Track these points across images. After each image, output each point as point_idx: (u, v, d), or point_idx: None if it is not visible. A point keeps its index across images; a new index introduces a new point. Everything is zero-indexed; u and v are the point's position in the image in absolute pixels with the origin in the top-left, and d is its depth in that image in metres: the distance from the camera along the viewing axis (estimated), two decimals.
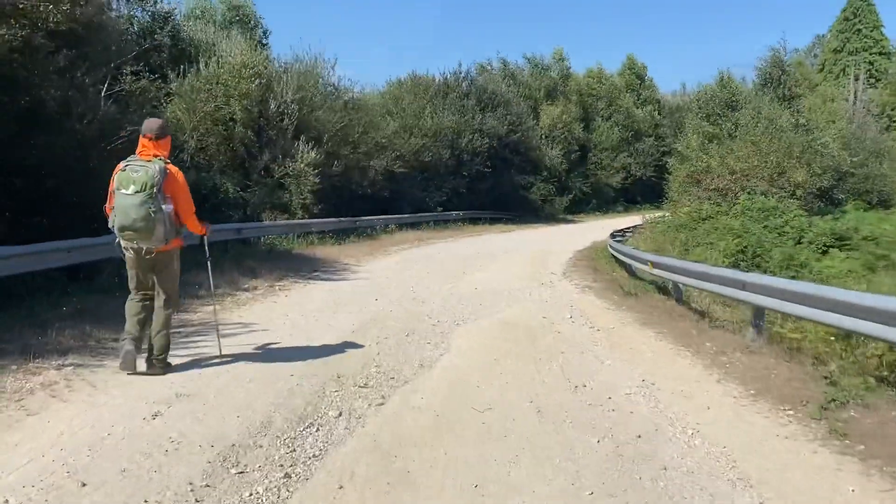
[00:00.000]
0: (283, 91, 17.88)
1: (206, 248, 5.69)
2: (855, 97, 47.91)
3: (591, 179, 41.10)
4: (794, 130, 25.19)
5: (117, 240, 4.76)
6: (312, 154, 16.94)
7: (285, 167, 16.81)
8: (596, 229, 27.65)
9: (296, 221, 15.83)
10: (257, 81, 16.19)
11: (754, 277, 6.36)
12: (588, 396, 4.67)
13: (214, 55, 16.75)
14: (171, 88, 15.98)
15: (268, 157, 17.26)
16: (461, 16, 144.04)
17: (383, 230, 20.68)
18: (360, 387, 4.78)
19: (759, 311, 6.50)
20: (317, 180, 16.84)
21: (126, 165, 4.61)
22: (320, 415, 4.15)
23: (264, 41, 20.89)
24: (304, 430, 3.88)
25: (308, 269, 11.43)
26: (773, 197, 21.95)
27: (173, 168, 4.79)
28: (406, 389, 4.75)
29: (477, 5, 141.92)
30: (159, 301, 4.97)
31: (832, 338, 5.84)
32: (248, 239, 13.64)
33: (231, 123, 16.67)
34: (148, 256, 4.75)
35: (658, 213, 27.12)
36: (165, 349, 4.97)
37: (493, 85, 31.41)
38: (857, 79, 58.74)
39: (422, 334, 6.80)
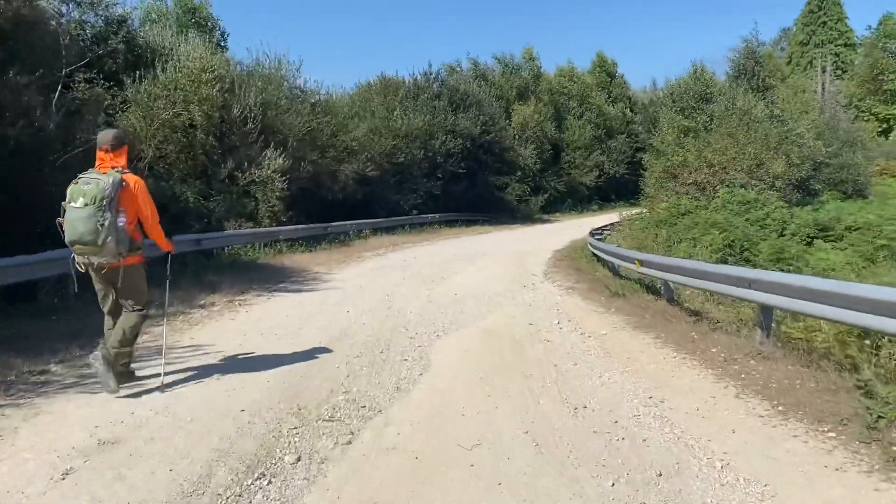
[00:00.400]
0: (245, 95, 17.09)
1: (168, 265, 5.44)
2: (823, 89, 48.18)
3: (564, 178, 40.63)
4: (770, 121, 24.93)
5: (72, 255, 4.60)
6: (279, 160, 16.14)
7: (251, 174, 15.99)
8: (572, 228, 27.18)
9: (262, 230, 15.01)
10: (218, 86, 15.36)
11: (763, 274, 5.76)
12: (591, 421, 4.02)
13: (172, 59, 15.89)
14: (127, 95, 15.13)
15: (232, 164, 16.42)
16: (428, 15, 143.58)
17: (356, 235, 19.92)
18: (324, 420, 4.08)
19: (767, 311, 5.90)
20: (284, 186, 16.05)
21: (79, 178, 4.49)
22: (274, 461, 3.45)
23: (223, 43, 20.03)
24: (252, 483, 3.18)
25: (274, 280, 10.66)
26: (752, 189, 21.62)
27: (131, 179, 4.61)
28: (379, 422, 4.06)
29: (443, 4, 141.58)
30: (123, 313, 4.80)
31: (850, 337, 5.26)
32: (210, 251, 12.83)
33: (191, 130, 15.82)
34: (102, 272, 4.61)
35: (635, 210, 26.72)
36: (126, 355, 4.78)
37: (464, 85, 30.79)
38: (824, 70, 59.24)
39: (398, 349, 6.11)
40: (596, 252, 14.20)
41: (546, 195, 37.36)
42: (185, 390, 4.67)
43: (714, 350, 5.64)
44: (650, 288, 9.82)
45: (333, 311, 7.99)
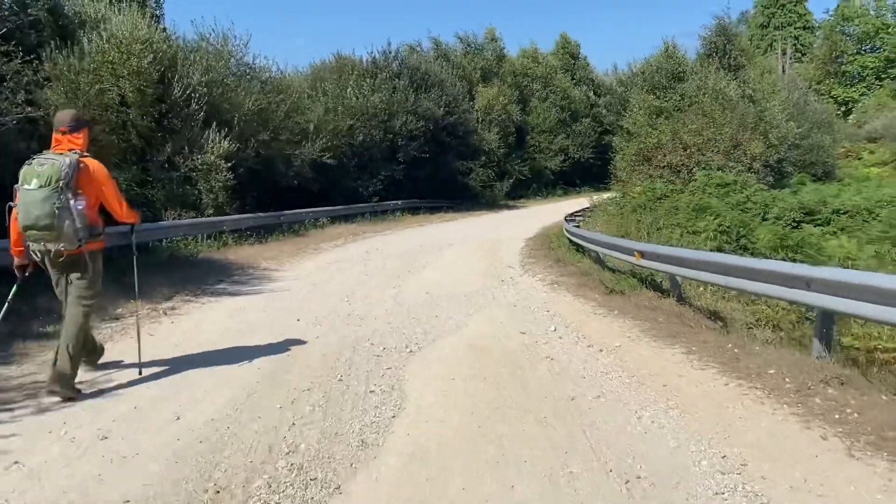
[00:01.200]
0: (189, 72, 15.36)
1: (133, 240, 5.20)
2: (783, 71, 47.97)
3: (529, 163, 39.46)
4: (743, 101, 24.05)
5: (27, 243, 4.30)
6: (224, 143, 14.49)
7: (192, 160, 14.32)
8: (540, 214, 26.09)
9: (204, 220, 13.37)
10: (150, 57, 13.62)
11: (825, 272, 4.52)
12: None
13: (99, 30, 14.08)
14: (48, 70, 13.33)
15: (171, 148, 14.72)
16: None
17: (313, 225, 18.37)
18: None
19: (827, 317, 4.68)
20: (230, 175, 14.41)
21: (33, 159, 4.23)
22: None
23: (158, 13, 18.11)
24: None
25: (213, 279, 9.13)
26: (730, 171, 20.71)
27: (90, 161, 4.33)
28: None
29: None
30: (70, 308, 4.38)
31: None
32: (144, 244, 11.19)
33: (124, 109, 14.09)
34: (59, 259, 4.28)
35: (606, 195, 25.68)
36: (75, 364, 4.29)
37: (425, 65, 29.23)
38: (784, 53, 59.21)
39: (362, 374, 4.73)
40: (576, 241, 12.97)
41: (511, 180, 36.16)
42: (49, 464, 3.19)
43: (771, 372, 4.38)
44: (648, 282, 8.61)
45: (280, 321, 6.54)
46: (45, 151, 4.32)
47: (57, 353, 4.24)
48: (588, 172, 44.48)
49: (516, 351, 5.39)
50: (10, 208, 4.26)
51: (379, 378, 4.65)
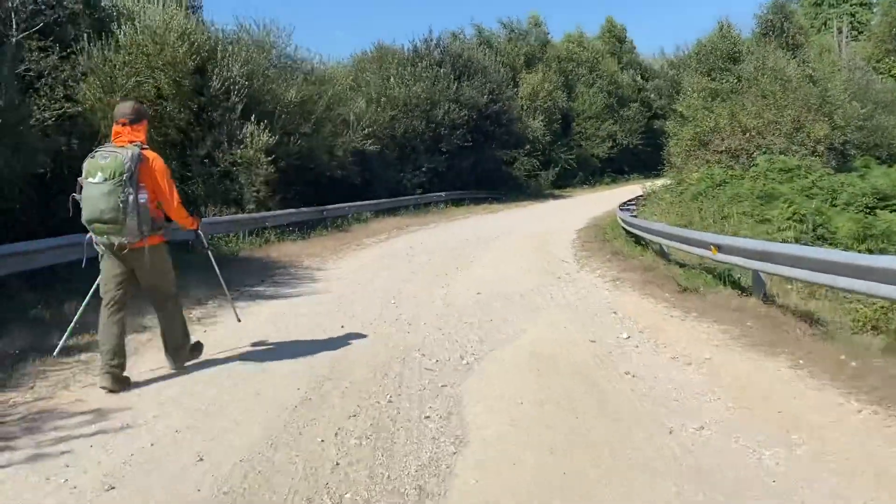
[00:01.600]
0: (229, 64, 14.93)
1: (204, 241, 5.28)
2: (840, 50, 45.79)
3: (575, 151, 38.34)
4: (804, 81, 22.72)
5: (88, 236, 4.34)
6: (264, 136, 14.02)
7: (231, 153, 13.90)
8: (588, 204, 25.21)
9: (245, 216, 12.92)
10: (185, 46, 13.21)
11: None
12: None
13: (135, 21, 13.74)
14: (86, 64, 13.05)
15: (210, 142, 14.32)
16: None
17: (356, 219, 17.86)
18: None
19: None
20: (271, 169, 13.95)
21: (96, 152, 4.23)
22: None
23: (196, 4, 17.73)
24: None
25: (254, 279, 8.62)
26: (793, 155, 19.52)
27: (151, 154, 4.35)
28: None
29: None
30: (156, 306, 4.65)
31: None
32: (184, 243, 10.77)
33: (160, 102, 13.73)
34: (122, 252, 4.28)
35: (659, 182, 24.64)
36: (182, 345, 4.67)
37: (468, 52, 28.44)
38: (840, 31, 56.68)
39: (414, 395, 4.12)
40: (635, 232, 12.15)
41: (557, 169, 35.17)
42: None
43: None
44: (725, 278, 7.80)
45: (322, 328, 5.96)
46: (105, 144, 4.34)
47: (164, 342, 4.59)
48: (637, 159, 43.16)
49: (588, 364, 4.70)
50: (77, 202, 4.23)
51: (434, 399, 4.03)
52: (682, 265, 9.25)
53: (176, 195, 4.48)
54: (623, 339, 5.46)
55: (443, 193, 23.57)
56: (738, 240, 7.01)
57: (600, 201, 25.37)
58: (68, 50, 12.28)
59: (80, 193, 4.21)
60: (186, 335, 4.73)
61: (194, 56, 14.16)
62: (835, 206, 15.49)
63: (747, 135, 20.39)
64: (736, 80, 23.06)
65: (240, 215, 12.85)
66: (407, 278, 9.00)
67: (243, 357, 5.00)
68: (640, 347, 5.17)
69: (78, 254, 8.23)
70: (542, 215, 21.29)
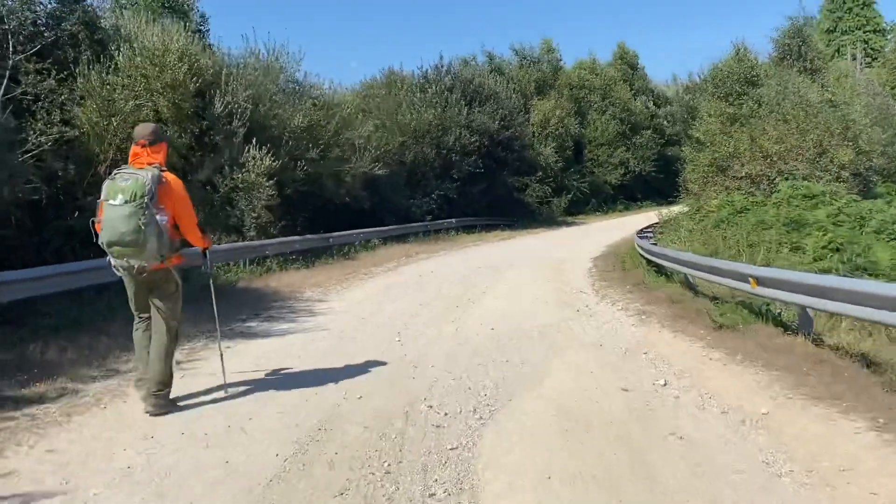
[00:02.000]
0: (233, 88, 14.46)
1: (208, 263, 4.99)
2: (855, 76, 45.19)
3: (588, 178, 37.77)
4: (826, 106, 22.07)
5: (108, 258, 4.24)
6: (266, 160, 13.48)
7: (232, 178, 13.35)
8: (602, 231, 24.57)
9: (243, 244, 12.31)
10: (185, 68, 12.72)
11: None
12: None
13: (135, 42, 13.31)
14: (82, 87, 12.59)
15: (211, 167, 13.78)
16: (440, 14, 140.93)
17: (364, 246, 17.23)
18: None
19: None
20: (273, 192, 13.37)
21: (116, 174, 4.19)
22: None
23: (203, 27, 17.37)
24: None
25: (247, 313, 7.96)
26: (817, 181, 18.79)
27: (170, 176, 4.31)
28: None
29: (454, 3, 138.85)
30: (156, 327, 4.40)
31: None
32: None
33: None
34: (142, 275, 4.24)
35: (675, 209, 23.94)
36: (166, 383, 4.33)
37: (479, 78, 28.01)
38: (854, 58, 56.13)
39: (418, 462, 3.41)
40: (657, 261, 11.43)
41: (569, 196, 34.57)
42: None
43: None
44: (763, 313, 7.06)
45: (315, 373, 5.26)
46: (123, 166, 4.29)
47: (148, 374, 4.28)
48: (649, 187, 42.53)
49: (625, 421, 3.98)
50: (94, 223, 4.21)
51: (441, 468, 3.32)
52: (712, 298, 8.52)
53: (195, 219, 4.48)
54: (660, 387, 4.74)
55: (453, 220, 22.96)
56: (782, 272, 6.29)
57: (614, 228, 24.73)
58: (66, 72, 11.87)
59: (99, 216, 4.16)
60: (171, 375, 4.43)
61: (196, 78, 13.70)
62: (863, 234, 14.75)
63: (768, 160, 19.68)
64: (755, 105, 22.43)
65: (238, 243, 12.23)
66: (415, 312, 8.32)
67: (217, 410, 4.30)
68: (682, 398, 4.45)
69: (59, 286, 7.70)
70: (556, 243, 20.63)
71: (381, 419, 4.09)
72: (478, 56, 35.74)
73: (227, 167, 13.61)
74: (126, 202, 4.02)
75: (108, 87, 12.82)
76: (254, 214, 13.05)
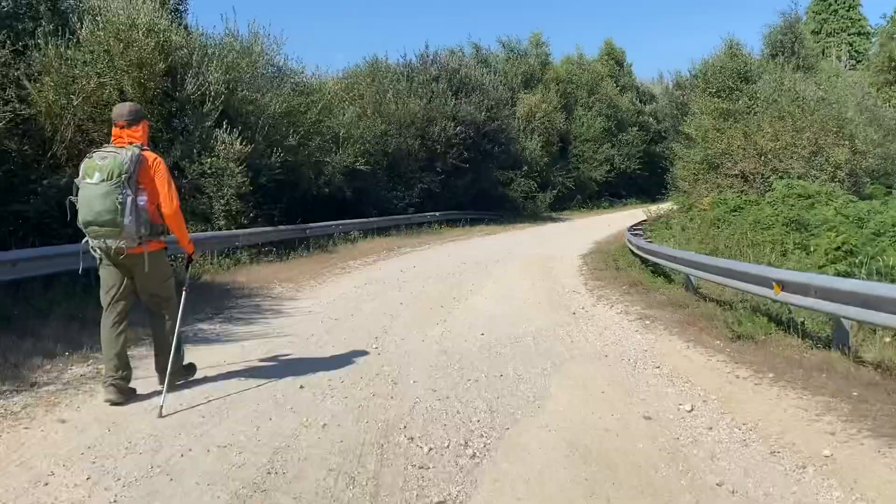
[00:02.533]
0: (207, 69, 13.47)
1: (188, 270, 4.74)
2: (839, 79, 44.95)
3: (573, 173, 37.10)
4: (822, 104, 21.52)
5: (85, 240, 4.10)
6: (237, 145, 12.54)
7: (200, 164, 12.40)
8: (588, 227, 23.91)
9: (211, 234, 11.38)
10: (152, 44, 11.74)
11: None
12: None
13: (98, 16, 12.28)
14: (44, 63, 11.59)
15: (179, 152, 12.81)
16: (426, 4, 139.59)
17: (343, 238, 16.33)
18: None
19: None
20: (244, 179, 12.43)
21: (94, 152, 4.07)
22: None
23: (180, 6, 16.25)
24: None
25: (206, 312, 7.06)
26: (813, 180, 18.22)
27: (150, 155, 4.16)
28: None
29: None
30: (155, 318, 4.36)
31: None
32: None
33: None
34: (120, 257, 4.06)
35: (664, 206, 23.31)
36: (178, 356, 4.32)
37: (465, 69, 27.15)
38: (839, 59, 55.98)
39: None
40: (655, 260, 10.70)
41: (554, 191, 33.85)
42: None
43: None
44: (782, 321, 6.32)
45: (271, 391, 4.38)
46: (104, 146, 4.21)
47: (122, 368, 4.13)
48: (634, 184, 42.07)
49: (656, 464, 3.18)
50: (73, 203, 4.04)
51: None
52: (718, 302, 7.78)
53: (176, 199, 4.22)
54: (686, 414, 3.96)
55: (437, 213, 22.13)
56: (813, 276, 5.54)
57: (600, 225, 24.10)
58: (22, 44, 10.90)
59: (77, 195, 4.02)
60: (180, 351, 4.42)
61: (165, 56, 12.72)
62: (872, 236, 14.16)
63: (763, 158, 19.08)
64: (749, 100, 21.81)
65: (205, 233, 11.28)
66: (395, 312, 7.49)
67: (146, 445, 3.43)
68: (717, 430, 3.66)
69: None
70: (542, 238, 19.92)
71: (349, 457, 3.25)
72: (464, 47, 34.88)
73: (195, 152, 12.66)
74: (103, 180, 3.90)
75: (67, 62, 11.84)
76: (223, 202, 12.11)
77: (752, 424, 3.73)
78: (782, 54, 25.59)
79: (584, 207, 37.47)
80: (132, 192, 3.95)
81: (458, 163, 22.99)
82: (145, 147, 4.19)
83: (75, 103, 11.43)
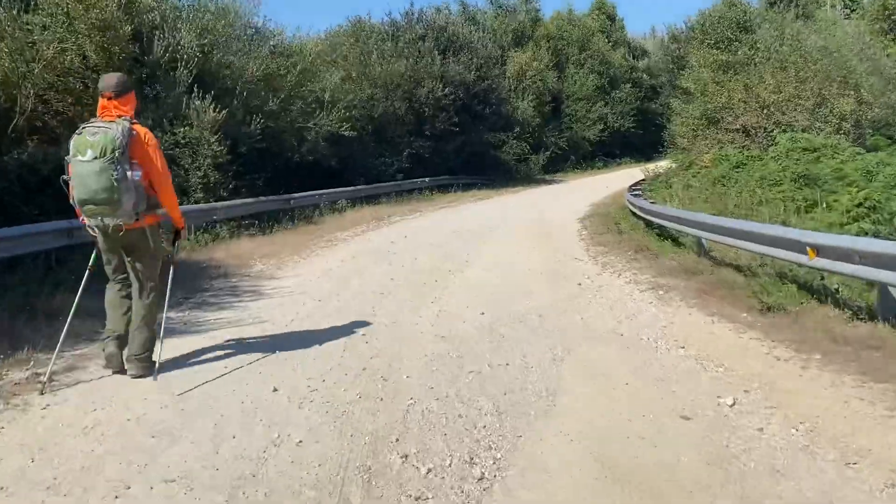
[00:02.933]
0: (177, 31, 12.58)
1: (176, 245, 4.61)
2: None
3: (566, 134, 36.20)
4: (824, 54, 20.72)
5: (81, 219, 4.02)
6: (211, 112, 11.73)
7: (174, 133, 11.61)
8: (584, 189, 23.26)
9: (188, 207, 10.60)
10: (114, 5, 10.84)
11: None
12: None
13: None
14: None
15: (151, 121, 11.99)
16: None
17: (329, 208, 15.57)
18: None
19: None
20: (221, 149, 11.65)
21: (83, 128, 3.90)
22: None
23: None
24: None
25: (177, 294, 6.40)
26: (817, 133, 17.54)
27: (141, 129, 4.03)
28: None
29: None
30: (136, 290, 4.19)
31: None
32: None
33: (89, 74, 11.41)
34: (118, 234, 3.96)
35: (662, 164, 22.61)
36: (148, 345, 4.15)
37: (452, 27, 26.11)
38: (834, 7, 54.68)
39: None
40: (662, 223, 10.06)
41: (547, 153, 33.03)
42: None
43: None
44: (815, 289, 5.70)
45: (238, 394, 3.76)
46: (92, 119, 4.02)
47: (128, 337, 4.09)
48: (628, 143, 41.18)
49: (711, 487, 2.55)
50: (66, 182, 3.94)
51: None
52: (736, 268, 7.16)
53: (168, 175, 4.17)
54: (729, 410, 3.35)
55: (427, 179, 21.33)
56: (856, 240, 4.89)
57: (596, 186, 23.45)
58: None
59: (69, 173, 3.92)
60: (153, 340, 4.22)
61: (130, 18, 11.83)
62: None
63: (765, 111, 18.34)
64: (750, 51, 20.97)
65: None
66: (385, 289, 6.84)
67: (72, 486, 2.78)
68: (771, 432, 3.05)
69: None
70: (537, 202, 19.24)
71: (327, 488, 2.62)
72: (451, 4, 33.77)
73: (166, 121, 11.85)
74: (96, 157, 3.78)
75: (24, 27, 10.97)
76: (199, 174, 11.35)
77: (812, 424, 3.12)
78: (780, 2, 24.70)
79: (577, 168, 36.66)
80: (127, 168, 3.86)
81: (447, 126, 22.13)
82: (134, 120, 4.03)
83: (35, 71, 10.59)
